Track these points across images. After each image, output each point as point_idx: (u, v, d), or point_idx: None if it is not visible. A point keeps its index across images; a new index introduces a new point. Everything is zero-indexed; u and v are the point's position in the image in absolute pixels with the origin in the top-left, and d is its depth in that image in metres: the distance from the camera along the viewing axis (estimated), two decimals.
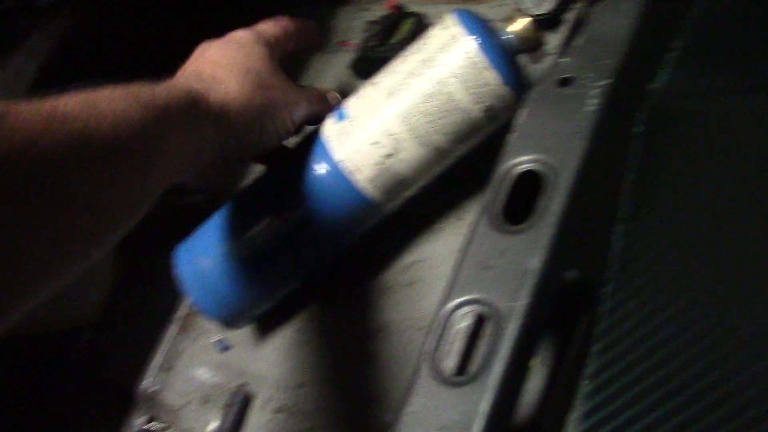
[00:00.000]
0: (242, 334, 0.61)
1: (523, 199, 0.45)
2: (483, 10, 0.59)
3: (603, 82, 0.44)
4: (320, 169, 0.51)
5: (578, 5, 0.56)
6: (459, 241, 0.54)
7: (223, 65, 0.49)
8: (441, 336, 0.44)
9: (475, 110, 0.49)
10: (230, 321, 0.57)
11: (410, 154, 0.50)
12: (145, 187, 0.39)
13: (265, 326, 0.60)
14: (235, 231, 0.55)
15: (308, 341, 0.58)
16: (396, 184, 0.52)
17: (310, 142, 0.54)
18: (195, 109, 0.43)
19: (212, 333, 0.63)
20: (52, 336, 0.68)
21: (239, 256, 0.54)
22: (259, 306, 0.57)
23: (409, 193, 0.53)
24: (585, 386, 0.40)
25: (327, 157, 0.51)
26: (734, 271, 0.41)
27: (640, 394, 0.39)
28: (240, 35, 0.52)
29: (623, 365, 0.40)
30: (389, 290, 0.56)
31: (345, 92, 0.55)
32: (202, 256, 0.55)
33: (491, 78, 0.48)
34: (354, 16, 0.73)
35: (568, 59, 0.47)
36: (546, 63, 0.56)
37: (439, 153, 0.51)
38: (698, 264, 0.42)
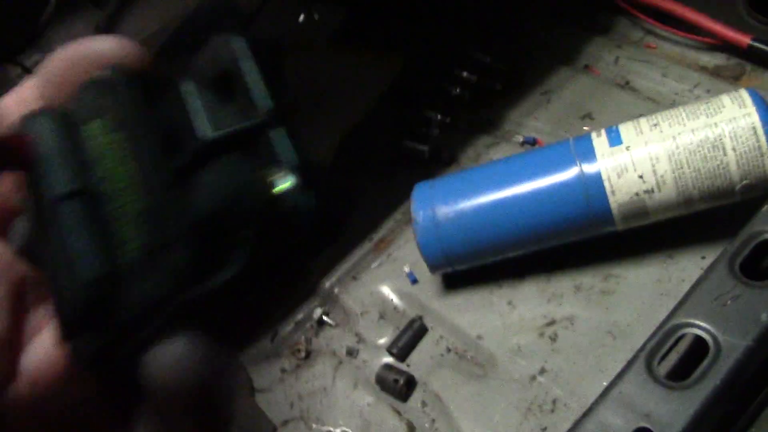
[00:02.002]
0: (431, 275, 0.69)
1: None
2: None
3: None
4: (580, 171, 0.59)
5: None
6: (662, 275, 0.62)
7: None
8: (662, 343, 0.52)
9: (737, 182, 0.57)
10: (440, 268, 0.65)
11: (664, 196, 0.58)
12: None
13: (455, 276, 0.68)
14: (478, 194, 0.63)
15: (499, 304, 0.66)
16: (637, 216, 0.60)
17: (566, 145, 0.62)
18: None
19: (403, 263, 0.71)
20: None
21: (474, 217, 0.62)
22: (469, 263, 0.65)
23: (642, 224, 0.61)
24: None
25: (591, 167, 0.59)
26: None
27: None
28: None
29: None
30: (582, 289, 0.64)
31: None
32: (442, 206, 0.63)
33: (765, 165, 0.56)
34: (606, 48, 0.81)
35: None
36: None
37: (687, 205, 0.59)
38: None
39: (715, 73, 0.76)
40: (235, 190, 0.18)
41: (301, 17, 0.96)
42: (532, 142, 0.75)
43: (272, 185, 0.19)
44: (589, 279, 0.65)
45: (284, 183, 0.19)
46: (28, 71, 0.77)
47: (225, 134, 0.20)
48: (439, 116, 0.79)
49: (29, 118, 0.21)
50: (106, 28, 0.85)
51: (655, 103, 0.75)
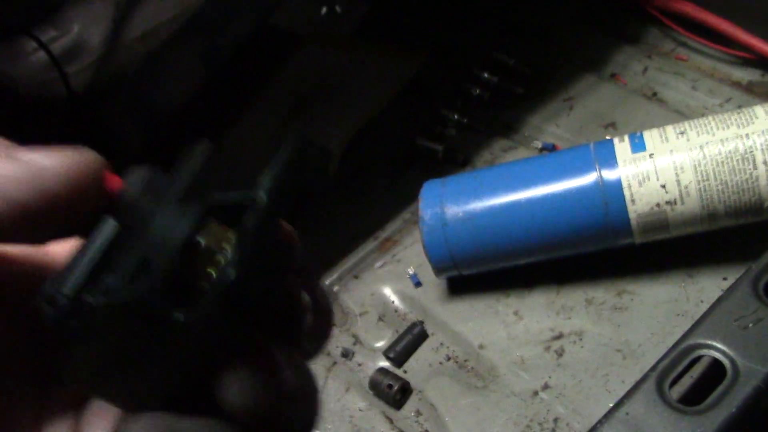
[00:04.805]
0: (435, 279, 0.65)
1: None
2: None
3: None
4: (599, 177, 0.56)
5: None
6: (679, 295, 0.58)
7: None
8: (676, 364, 0.48)
9: (766, 198, 0.53)
10: (445, 271, 0.62)
11: (687, 209, 0.55)
12: None
13: (460, 282, 0.65)
14: (491, 195, 0.60)
15: (504, 314, 0.62)
16: (657, 229, 0.56)
17: (587, 150, 0.58)
18: None
19: (407, 265, 0.68)
20: None
21: (485, 218, 0.59)
22: (476, 268, 0.62)
23: (662, 238, 0.57)
24: None
25: (611, 173, 0.56)
26: None
27: None
28: None
29: None
30: (593, 303, 0.61)
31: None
32: (452, 205, 0.60)
33: None
34: (635, 58, 0.78)
35: None
36: None
37: (711, 220, 0.55)
38: None
39: (749, 89, 0.73)
40: (186, 244, 0.23)
41: (323, 10, 0.94)
42: (551, 149, 0.72)
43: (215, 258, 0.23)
44: (602, 293, 0.61)
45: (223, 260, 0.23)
46: (43, 45, 0.75)
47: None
48: (456, 116, 0.76)
49: (133, 170, 0.25)
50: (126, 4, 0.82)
51: (683, 116, 0.71)
